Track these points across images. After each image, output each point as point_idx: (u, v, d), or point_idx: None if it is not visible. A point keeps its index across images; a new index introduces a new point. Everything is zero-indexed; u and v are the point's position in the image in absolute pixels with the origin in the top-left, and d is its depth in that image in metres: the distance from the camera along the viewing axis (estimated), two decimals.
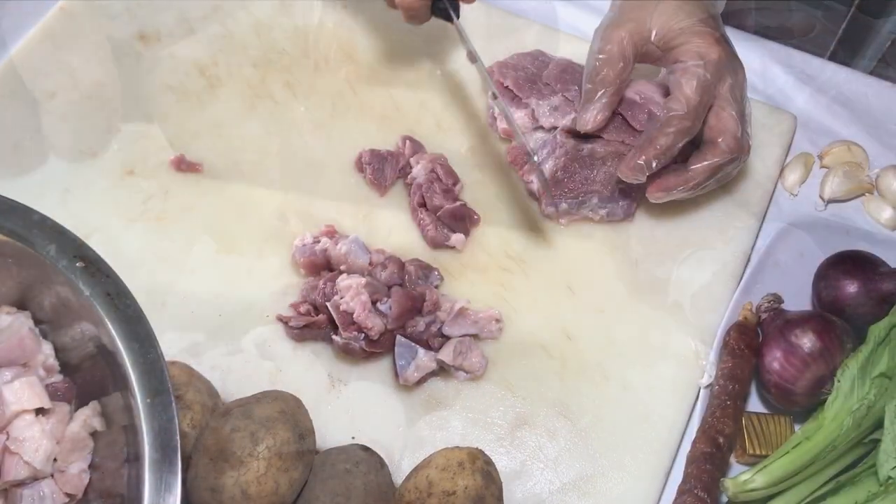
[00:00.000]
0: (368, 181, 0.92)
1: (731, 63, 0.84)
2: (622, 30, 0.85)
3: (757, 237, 0.92)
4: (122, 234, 0.89)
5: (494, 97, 0.89)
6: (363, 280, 0.82)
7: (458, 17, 0.87)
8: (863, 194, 0.96)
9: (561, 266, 0.89)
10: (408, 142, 0.93)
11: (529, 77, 0.94)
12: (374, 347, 0.81)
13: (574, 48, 0.98)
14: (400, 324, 0.82)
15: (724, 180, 0.88)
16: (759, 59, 1.04)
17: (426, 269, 0.86)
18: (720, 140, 0.83)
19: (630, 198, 0.90)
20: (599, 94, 0.85)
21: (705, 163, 0.84)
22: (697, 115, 0.82)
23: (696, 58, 0.82)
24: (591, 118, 0.85)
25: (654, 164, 0.83)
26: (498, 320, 0.85)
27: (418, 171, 0.90)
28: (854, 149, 0.97)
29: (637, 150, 0.83)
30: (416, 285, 0.84)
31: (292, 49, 1.01)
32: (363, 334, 0.81)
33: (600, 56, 0.85)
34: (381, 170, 0.92)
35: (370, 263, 0.85)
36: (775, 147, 0.96)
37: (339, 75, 0.99)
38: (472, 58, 0.89)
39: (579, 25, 1.05)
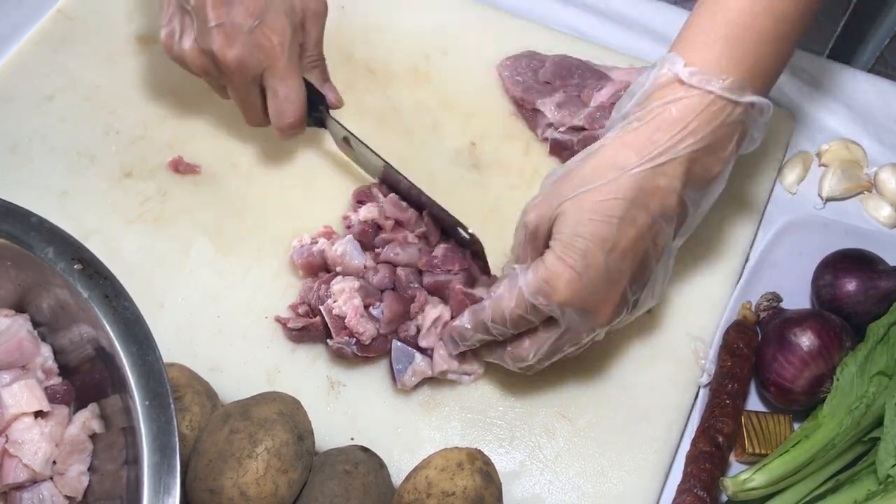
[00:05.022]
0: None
1: (584, 313, 0.71)
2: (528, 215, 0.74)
3: (755, 236, 0.93)
4: (121, 235, 0.89)
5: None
6: (356, 284, 0.81)
7: (330, 117, 0.87)
8: (861, 192, 0.96)
9: None
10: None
11: (528, 82, 0.94)
12: (366, 352, 0.81)
13: (571, 48, 0.98)
14: (392, 328, 0.81)
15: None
16: None
17: (417, 273, 0.85)
18: (518, 350, 0.75)
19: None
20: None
21: (499, 357, 0.78)
22: (514, 326, 0.73)
23: (538, 286, 0.70)
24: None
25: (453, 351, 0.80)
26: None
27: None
28: (852, 147, 0.97)
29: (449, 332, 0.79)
30: (408, 289, 0.83)
31: None
32: (355, 339, 0.81)
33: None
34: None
35: (366, 266, 0.84)
36: (773, 145, 0.96)
37: (336, 76, 0.99)
38: (347, 146, 0.88)
39: (578, 25, 1.05)
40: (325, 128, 0.90)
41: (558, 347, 0.75)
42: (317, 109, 0.88)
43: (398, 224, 0.86)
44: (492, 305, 0.74)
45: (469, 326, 0.77)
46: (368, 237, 0.86)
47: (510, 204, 0.92)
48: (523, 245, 0.74)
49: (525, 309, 0.72)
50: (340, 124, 0.87)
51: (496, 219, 0.92)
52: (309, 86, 0.87)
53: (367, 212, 0.86)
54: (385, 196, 0.88)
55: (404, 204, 0.87)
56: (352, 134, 0.87)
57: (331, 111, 0.90)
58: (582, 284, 0.69)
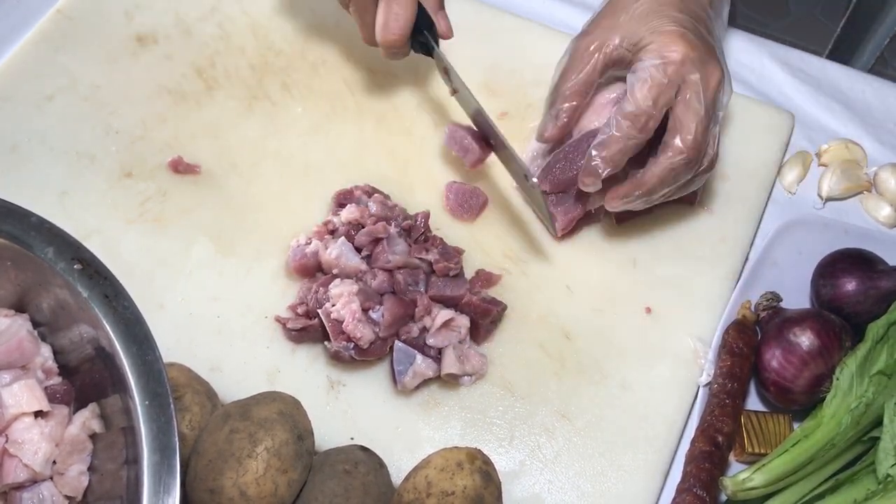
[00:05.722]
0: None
1: (701, 62, 0.79)
2: (590, 38, 0.83)
3: (755, 235, 0.93)
4: (121, 235, 0.89)
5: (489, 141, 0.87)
6: (355, 287, 0.81)
7: (437, 48, 0.88)
8: (861, 192, 0.96)
9: (559, 265, 0.89)
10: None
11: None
12: (364, 356, 0.81)
13: None
14: (392, 332, 0.81)
15: (687, 190, 0.84)
16: (757, 57, 1.04)
17: (415, 275, 0.85)
18: (675, 140, 0.79)
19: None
20: (559, 106, 0.83)
21: (658, 166, 0.80)
22: (650, 118, 0.79)
23: (656, 56, 0.79)
24: (547, 131, 0.84)
25: (602, 170, 0.80)
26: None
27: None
28: (852, 147, 0.97)
29: (589, 158, 0.81)
30: (407, 293, 0.83)
31: (289, 50, 1.01)
32: (353, 343, 0.80)
33: (565, 65, 0.84)
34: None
35: (363, 270, 0.84)
36: (773, 145, 0.96)
37: (336, 76, 0.99)
38: (454, 90, 0.89)
39: (578, 25, 1.04)
40: (431, 56, 0.89)
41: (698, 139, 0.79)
42: (422, 34, 0.87)
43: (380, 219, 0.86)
44: (630, 98, 0.79)
45: (614, 129, 0.80)
46: (354, 239, 0.85)
47: (511, 203, 0.92)
48: (574, 71, 0.83)
49: (652, 80, 0.78)
50: (444, 58, 0.87)
51: (497, 218, 0.92)
52: (422, 11, 0.87)
53: (350, 213, 0.86)
54: (369, 196, 0.88)
55: (390, 203, 0.87)
56: (453, 69, 0.87)
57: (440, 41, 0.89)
58: (688, 38, 0.79)
